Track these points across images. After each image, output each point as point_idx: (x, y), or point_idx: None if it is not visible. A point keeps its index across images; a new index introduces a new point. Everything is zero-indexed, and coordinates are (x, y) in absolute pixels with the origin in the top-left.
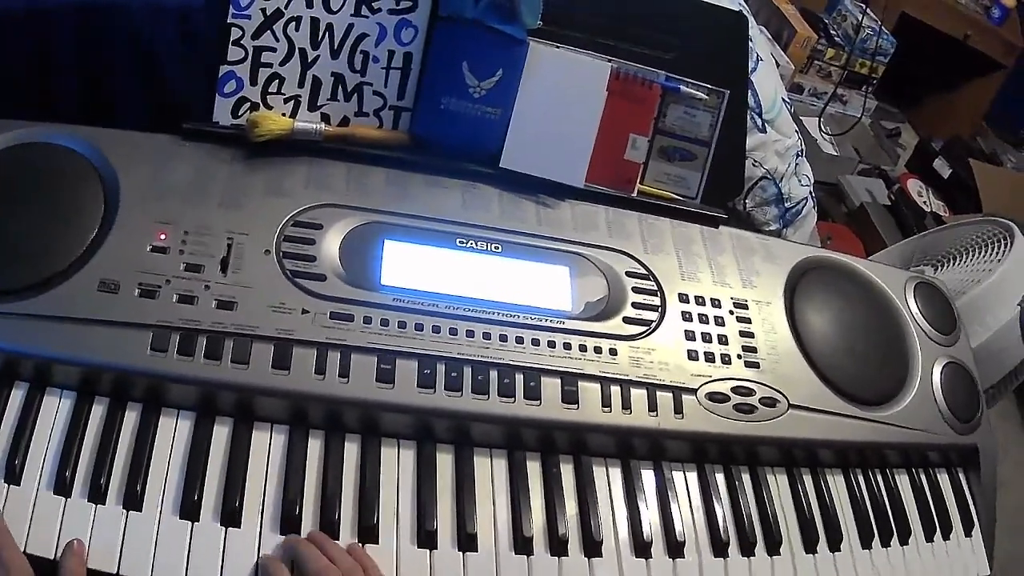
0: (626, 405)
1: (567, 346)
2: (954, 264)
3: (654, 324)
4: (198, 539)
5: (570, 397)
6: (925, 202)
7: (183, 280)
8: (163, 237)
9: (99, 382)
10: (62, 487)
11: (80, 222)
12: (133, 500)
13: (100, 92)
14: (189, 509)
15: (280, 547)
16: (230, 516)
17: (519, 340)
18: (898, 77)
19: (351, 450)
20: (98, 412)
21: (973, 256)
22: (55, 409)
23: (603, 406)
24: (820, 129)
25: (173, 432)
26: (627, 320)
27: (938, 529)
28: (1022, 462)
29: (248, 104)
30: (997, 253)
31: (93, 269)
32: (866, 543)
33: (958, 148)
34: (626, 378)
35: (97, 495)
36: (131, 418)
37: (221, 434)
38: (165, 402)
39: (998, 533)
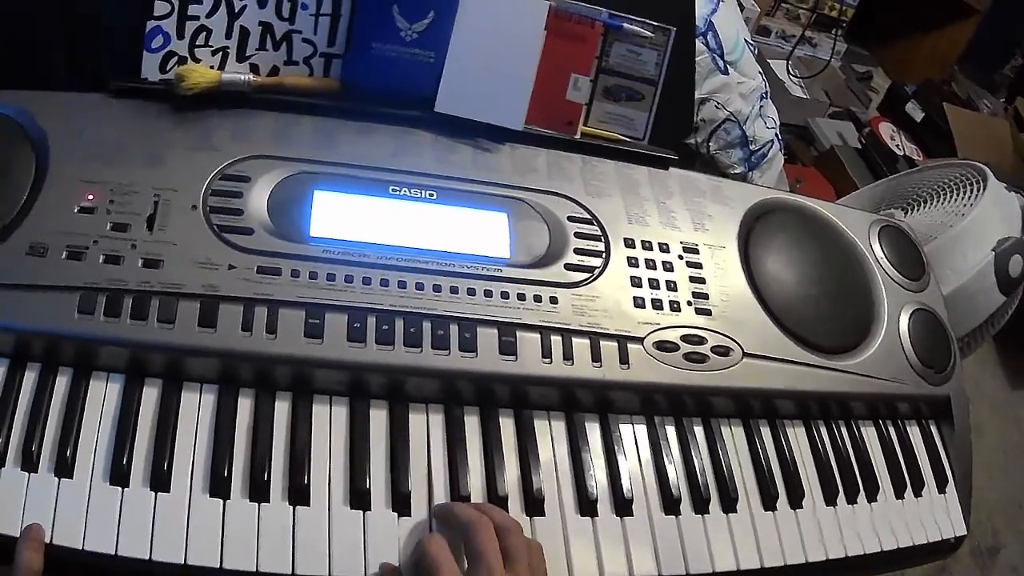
0: (567, 355)
1: (504, 295)
2: (925, 207)
3: (598, 270)
4: (128, 505)
5: (507, 348)
6: (898, 145)
7: (109, 240)
8: (91, 197)
9: (30, 347)
10: None
11: (11, 188)
12: (64, 467)
13: (23, 50)
14: (119, 475)
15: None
16: (159, 480)
17: (454, 290)
18: (869, 20)
19: (282, 408)
20: (30, 379)
21: (945, 200)
22: None
23: (543, 357)
24: (788, 72)
25: (103, 396)
26: (569, 267)
27: (909, 485)
28: (998, 406)
29: (176, 58)
30: (969, 197)
31: (23, 234)
32: (830, 500)
33: (931, 92)
34: (567, 327)
35: (29, 463)
36: (62, 383)
37: (151, 396)
38: (95, 366)
39: (978, 478)
